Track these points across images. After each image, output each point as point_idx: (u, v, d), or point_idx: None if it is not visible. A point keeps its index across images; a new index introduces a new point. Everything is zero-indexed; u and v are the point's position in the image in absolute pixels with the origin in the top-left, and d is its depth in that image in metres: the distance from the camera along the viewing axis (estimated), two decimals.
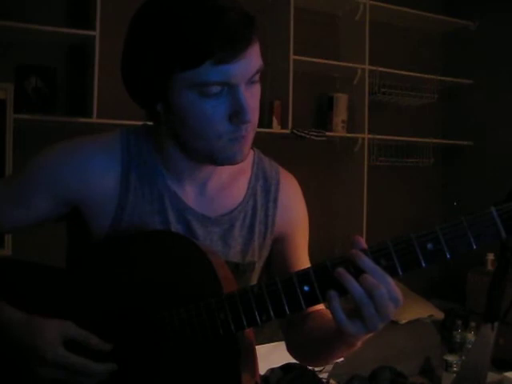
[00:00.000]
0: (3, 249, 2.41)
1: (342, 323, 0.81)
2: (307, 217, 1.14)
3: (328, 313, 1.03)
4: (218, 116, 0.89)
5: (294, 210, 1.11)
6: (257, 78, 0.92)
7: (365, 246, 0.81)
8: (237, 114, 0.89)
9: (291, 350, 1.12)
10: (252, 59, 0.89)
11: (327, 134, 3.31)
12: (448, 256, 0.78)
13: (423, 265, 0.79)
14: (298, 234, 1.12)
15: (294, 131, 3.15)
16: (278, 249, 1.11)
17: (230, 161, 0.94)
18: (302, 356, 1.12)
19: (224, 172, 1.04)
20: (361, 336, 0.84)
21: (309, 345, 1.04)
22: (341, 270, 0.80)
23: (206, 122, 0.89)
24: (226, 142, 0.91)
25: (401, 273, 0.80)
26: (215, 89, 0.87)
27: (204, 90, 0.87)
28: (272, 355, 2.31)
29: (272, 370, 2.36)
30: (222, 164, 0.96)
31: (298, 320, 1.07)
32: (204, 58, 0.85)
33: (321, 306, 1.06)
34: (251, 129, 0.93)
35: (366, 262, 0.79)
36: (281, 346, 2.39)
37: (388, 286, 0.79)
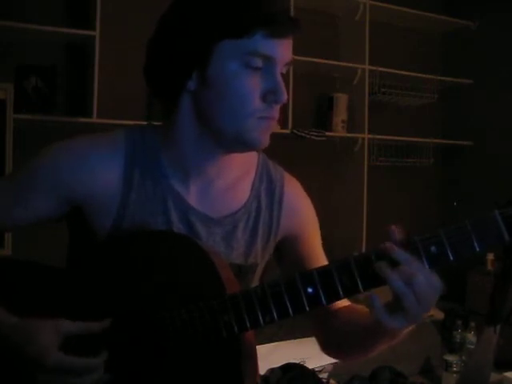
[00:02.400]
0: (3, 249, 2.40)
1: (384, 321, 0.81)
2: (316, 217, 1.14)
3: (359, 307, 1.03)
4: (255, 91, 0.92)
5: (301, 211, 1.11)
6: (286, 70, 0.96)
7: (398, 237, 0.82)
8: (273, 92, 0.93)
9: (327, 349, 1.12)
10: (291, 46, 0.95)
11: (327, 133, 3.31)
12: (452, 259, 0.78)
13: (427, 268, 0.80)
14: (310, 234, 1.12)
15: (294, 131, 3.15)
16: (293, 250, 1.11)
17: (255, 142, 0.95)
18: (341, 353, 1.12)
19: (231, 171, 1.04)
20: (404, 329, 0.84)
21: (348, 341, 1.04)
22: (380, 263, 0.80)
23: (242, 95, 0.92)
24: (256, 121, 0.93)
25: None
26: (258, 62, 0.91)
27: (249, 60, 0.90)
28: (272, 355, 2.31)
29: (272, 370, 2.35)
30: (246, 146, 0.96)
31: (330, 318, 1.07)
32: (259, 26, 0.88)
33: (347, 302, 1.07)
34: (277, 114, 0.96)
35: (401, 253, 0.80)
36: (281, 346, 2.40)
37: (426, 274, 0.79)
